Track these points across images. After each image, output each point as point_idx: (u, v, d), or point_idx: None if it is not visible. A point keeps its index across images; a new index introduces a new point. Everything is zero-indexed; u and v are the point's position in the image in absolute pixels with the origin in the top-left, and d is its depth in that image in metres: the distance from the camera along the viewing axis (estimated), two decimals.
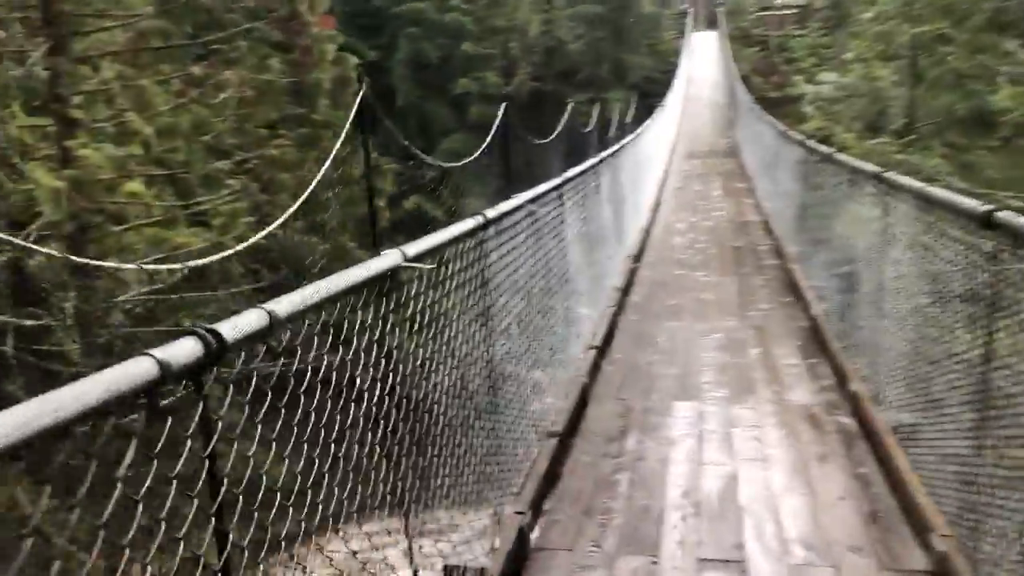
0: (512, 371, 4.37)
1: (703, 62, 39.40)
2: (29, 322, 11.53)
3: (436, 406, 3.28)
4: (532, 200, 4.57)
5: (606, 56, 38.85)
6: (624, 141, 10.34)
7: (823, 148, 8.22)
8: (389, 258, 2.46)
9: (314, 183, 6.50)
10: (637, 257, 10.86)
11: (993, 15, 8.67)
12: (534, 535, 3.97)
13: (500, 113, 8.35)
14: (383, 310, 2.56)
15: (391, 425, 2.77)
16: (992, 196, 9.51)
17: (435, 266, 2.74)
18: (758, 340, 7.26)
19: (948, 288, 3.83)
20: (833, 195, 7.36)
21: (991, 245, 3.28)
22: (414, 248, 2.63)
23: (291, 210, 6.32)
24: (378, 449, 2.74)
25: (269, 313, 1.75)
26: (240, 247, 6.75)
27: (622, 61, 39.22)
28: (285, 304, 1.84)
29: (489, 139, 8.13)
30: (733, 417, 5.43)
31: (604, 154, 8.03)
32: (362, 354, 2.52)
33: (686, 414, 5.53)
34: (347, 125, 6.53)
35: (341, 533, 2.56)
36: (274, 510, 2.01)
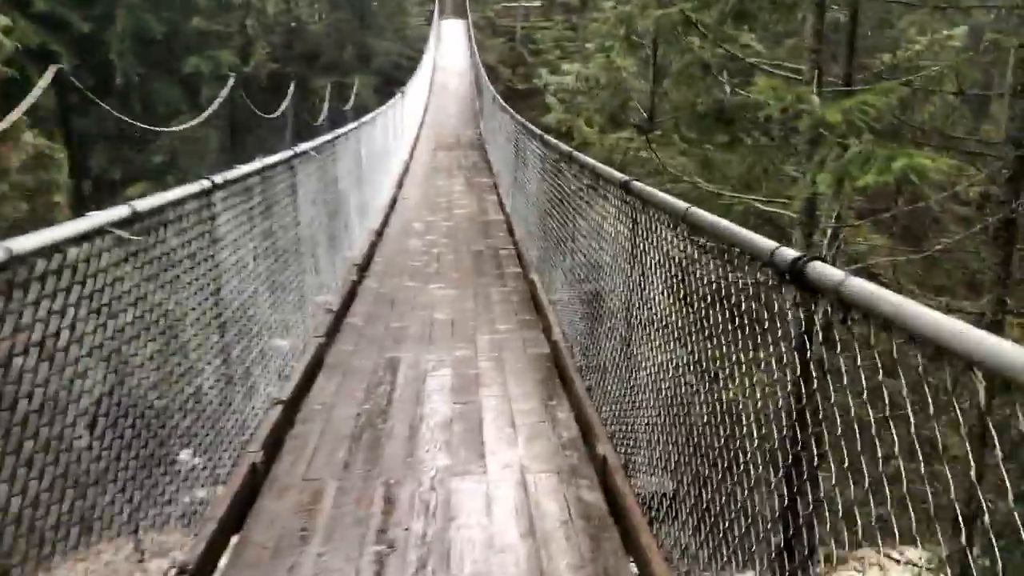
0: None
1: (451, 51, 38.61)
2: None
3: None
4: (121, 223, 2.91)
5: (350, 39, 37.02)
6: (340, 131, 8.77)
7: (562, 146, 7.17)
8: None
9: None
10: (364, 266, 9.38)
11: (736, 3, 8.09)
12: None
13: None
14: None
15: None
16: (741, 200, 9.09)
17: None
18: (493, 375, 6.03)
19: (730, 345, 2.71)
20: (574, 199, 6.30)
21: (798, 302, 2.15)
22: None
23: None
24: None
25: None
26: None
27: (367, 45, 37.57)
28: None
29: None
30: (456, 501, 4.09)
31: (304, 146, 6.42)
32: None
33: (394, 501, 4.13)
34: None
35: None
36: None
